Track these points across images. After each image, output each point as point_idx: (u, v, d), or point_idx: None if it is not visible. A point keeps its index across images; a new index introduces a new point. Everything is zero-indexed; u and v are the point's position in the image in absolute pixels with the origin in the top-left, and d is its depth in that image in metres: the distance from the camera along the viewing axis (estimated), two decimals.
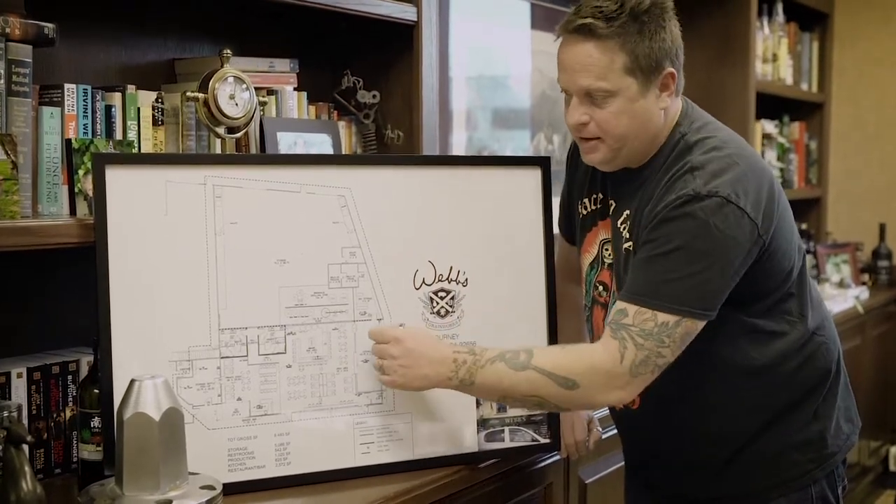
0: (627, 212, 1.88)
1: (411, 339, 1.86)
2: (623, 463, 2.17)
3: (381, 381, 1.89)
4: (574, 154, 2.08)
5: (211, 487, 1.64)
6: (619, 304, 1.78)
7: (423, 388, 1.87)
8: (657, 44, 1.78)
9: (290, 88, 2.33)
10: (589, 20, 1.76)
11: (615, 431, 2.14)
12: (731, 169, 1.77)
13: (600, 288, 1.98)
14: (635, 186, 1.87)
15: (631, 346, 1.74)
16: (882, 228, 4.96)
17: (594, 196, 1.99)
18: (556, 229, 2.15)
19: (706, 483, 1.96)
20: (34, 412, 1.89)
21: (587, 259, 2.01)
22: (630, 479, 2.16)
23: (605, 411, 2.35)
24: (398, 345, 1.84)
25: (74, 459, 1.92)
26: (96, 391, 1.78)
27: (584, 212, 2.02)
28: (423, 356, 1.83)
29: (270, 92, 2.29)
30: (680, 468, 1.98)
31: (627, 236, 1.87)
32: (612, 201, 1.94)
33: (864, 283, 4.83)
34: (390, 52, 2.50)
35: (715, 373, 1.88)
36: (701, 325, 1.77)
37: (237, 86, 2.11)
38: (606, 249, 1.95)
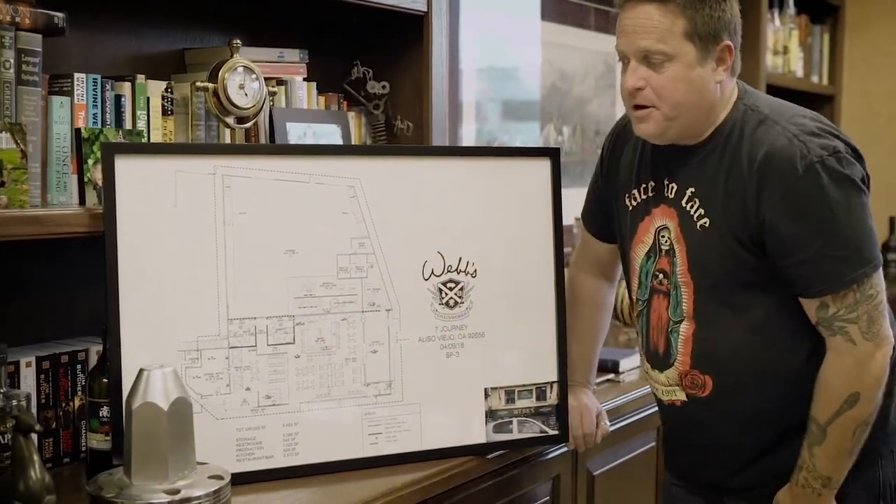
0: (692, 189, 1.87)
1: None
2: (631, 455, 2.16)
3: None
4: (613, 149, 2.06)
5: (219, 477, 1.64)
6: (815, 302, 1.79)
7: None
8: (717, 13, 1.80)
9: (299, 79, 2.33)
10: None
11: (622, 425, 2.13)
12: (831, 129, 1.81)
13: (660, 276, 1.94)
14: (695, 164, 1.87)
15: (850, 326, 1.77)
16: (892, 222, 4.95)
17: (644, 185, 1.97)
18: (567, 221, 2.13)
19: (772, 464, 1.91)
20: (43, 401, 1.90)
21: (641, 250, 1.97)
22: (674, 486, 2.09)
23: (614, 405, 2.35)
24: None
25: (83, 449, 1.93)
26: (105, 380, 1.78)
27: (634, 203, 1.99)
28: None
29: (280, 82, 2.29)
30: (744, 455, 1.92)
31: (702, 212, 1.86)
32: (671, 185, 1.91)
33: None
34: (400, 42, 2.50)
35: (789, 352, 1.86)
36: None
37: (247, 76, 2.11)
38: (663, 236, 1.93)
